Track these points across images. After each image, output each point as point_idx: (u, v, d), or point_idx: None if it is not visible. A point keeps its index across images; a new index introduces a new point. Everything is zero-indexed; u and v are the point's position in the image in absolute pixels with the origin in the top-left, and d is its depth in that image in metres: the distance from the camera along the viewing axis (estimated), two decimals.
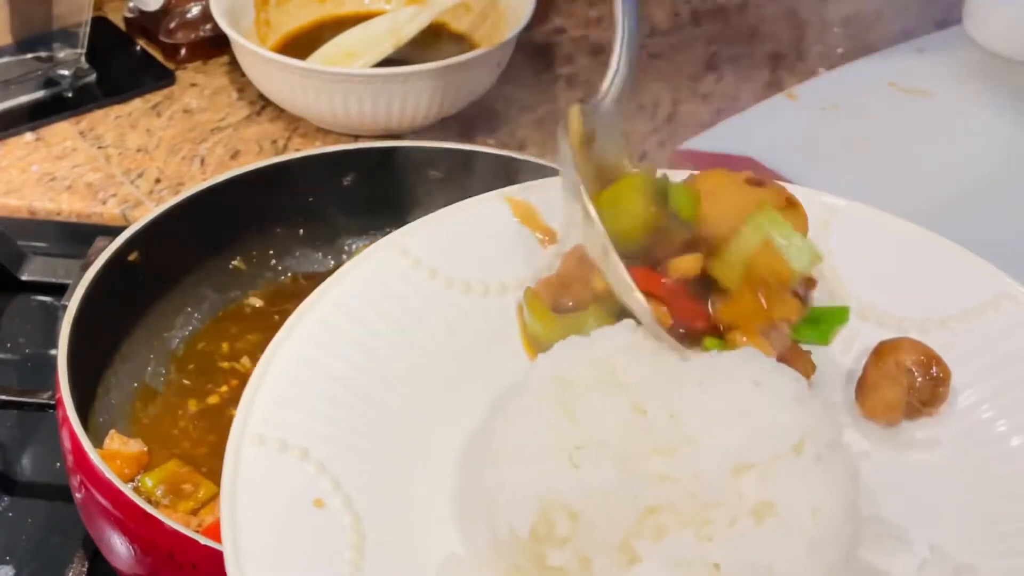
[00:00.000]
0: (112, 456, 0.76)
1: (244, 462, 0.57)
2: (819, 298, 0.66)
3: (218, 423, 0.82)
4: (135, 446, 0.78)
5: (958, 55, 1.15)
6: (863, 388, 0.64)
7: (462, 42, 1.19)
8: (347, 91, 1.05)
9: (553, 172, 0.90)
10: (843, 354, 0.66)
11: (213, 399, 0.84)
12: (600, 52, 1.25)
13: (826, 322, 0.66)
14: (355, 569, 0.55)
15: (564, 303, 0.66)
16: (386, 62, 1.12)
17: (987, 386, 0.63)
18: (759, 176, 0.67)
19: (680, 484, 0.53)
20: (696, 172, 0.70)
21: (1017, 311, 0.65)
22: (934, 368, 0.63)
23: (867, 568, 0.57)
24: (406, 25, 1.15)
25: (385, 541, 0.57)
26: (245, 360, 0.86)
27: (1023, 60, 1.16)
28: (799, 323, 0.64)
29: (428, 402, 0.63)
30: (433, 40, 1.17)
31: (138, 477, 0.77)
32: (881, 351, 0.64)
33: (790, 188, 0.68)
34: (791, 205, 0.66)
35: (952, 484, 0.61)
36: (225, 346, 0.87)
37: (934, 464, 0.62)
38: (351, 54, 1.13)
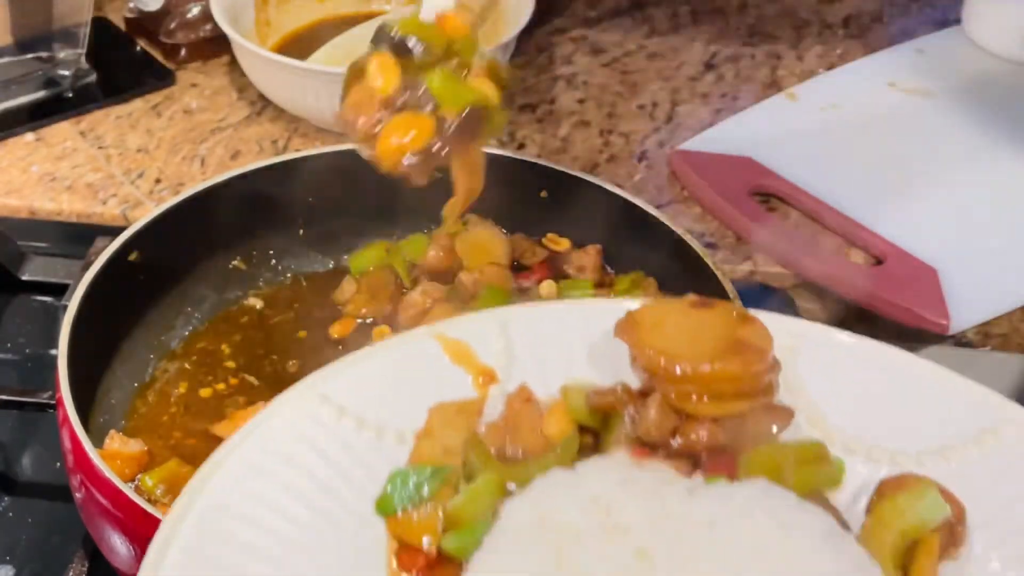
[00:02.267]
0: (112, 456, 0.76)
1: None
2: (792, 434, 0.57)
3: (216, 413, 0.82)
4: (135, 446, 0.78)
5: (958, 55, 1.16)
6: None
7: None
8: None
9: (553, 172, 0.91)
10: (833, 495, 0.57)
11: (205, 392, 0.84)
12: (600, 51, 1.25)
13: (826, 460, 0.56)
14: None
15: (513, 451, 0.57)
16: None
17: (1002, 529, 0.55)
18: (703, 299, 0.58)
19: None
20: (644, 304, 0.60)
21: (1020, 436, 0.57)
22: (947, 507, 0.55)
23: None
24: None
25: None
26: (244, 360, 0.87)
27: (1023, 60, 1.16)
28: (800, 470, 0.55)
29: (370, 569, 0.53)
30: None
31: (138, 477, 0.78)
32: (883, 490, 0.56)
33: (746, 310, 0.59)
34: (745, 321, 0.57)
35: None
36: (225, 347, 0.87)
37: None
38: (351, 54, 1.13)
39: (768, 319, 0.57)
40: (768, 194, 1.05)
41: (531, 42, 1.19)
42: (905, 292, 0.92)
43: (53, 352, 0.78)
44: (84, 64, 1.18)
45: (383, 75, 0.73)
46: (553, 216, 0.91)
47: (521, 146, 1.11)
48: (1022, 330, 0.97)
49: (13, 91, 1.15)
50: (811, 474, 0.54)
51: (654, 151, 1.12)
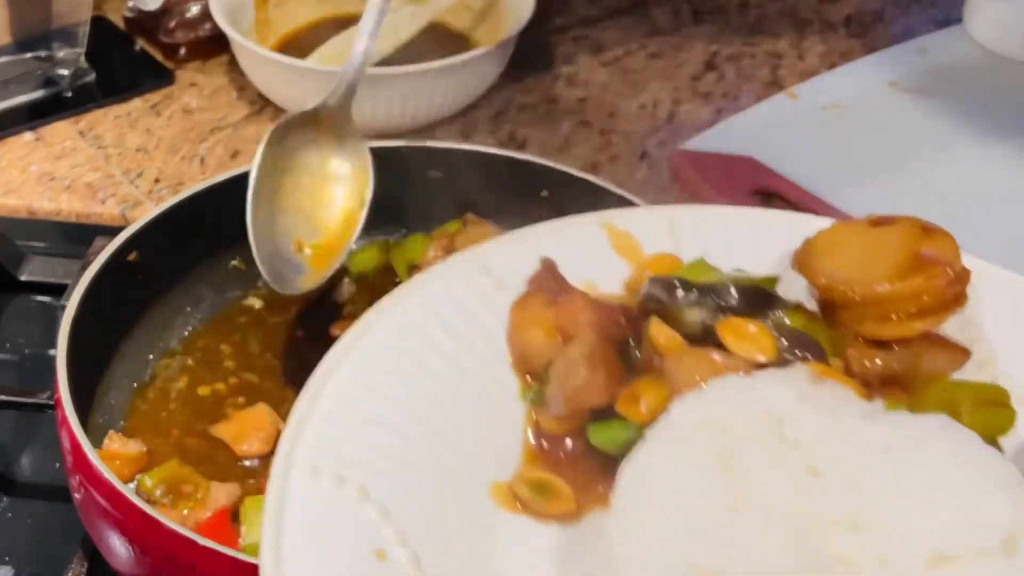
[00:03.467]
0: (112, 457, 0.76)
1: (293, 495, 0.49)
2: (962, 375, 0.55)
3: (216, 412, 0.82)
4: (135, 447, 0.78)
5: (958, 55, 1.15)
6: None
7: (462, 42, 1.19)
8: None
9: (553, 172, 0.90)
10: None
11: (204, 390, 0.84)
12: (600, 51, 1.25)
13: (1005, 404, 0.54)
14: None
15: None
16: (386, 62, 1.11)
17: None
18: (883, 216, 0.56)
19: (862, 570, 0.44)
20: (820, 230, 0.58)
21: None
22: None
23: None
24: (406, 25, 1.14)
25: None
26: (243, 360, 0.86)
27: (1023, 60, 1.16)
28: (977, 410, 0.53)
29: (509, 442, 0.54)
30: (433, 40, 1.17)
31: (137, 477, 0.77)
32: None
33: (930, 223, 0.57)
34: (929, 234, 0.56)
35: None
36: (225, 346, 0.87)
37: None
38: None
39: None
40: (769, 193, 1.05)
41: (531, 42, 1.19)
42: None
43: (52, 352, 0.78)
44: (83, 63, 1.18)
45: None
46: (554, 216, 0.90)
47: (521, 146, 1.11)
48: None
49: (12, 90, 1.15)
50: (987, 417, 0.52)
51: (655, 151, 1.11)
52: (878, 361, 0.53)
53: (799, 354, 0.51)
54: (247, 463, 0.79)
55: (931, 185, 1.03)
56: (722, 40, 1.27)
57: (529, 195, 0.91)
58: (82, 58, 1.18)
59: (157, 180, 1.08)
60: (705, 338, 0.52)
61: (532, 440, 0.54)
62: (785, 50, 1.26)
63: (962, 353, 0.55)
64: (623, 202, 0.87)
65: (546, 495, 0.52)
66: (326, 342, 0.85)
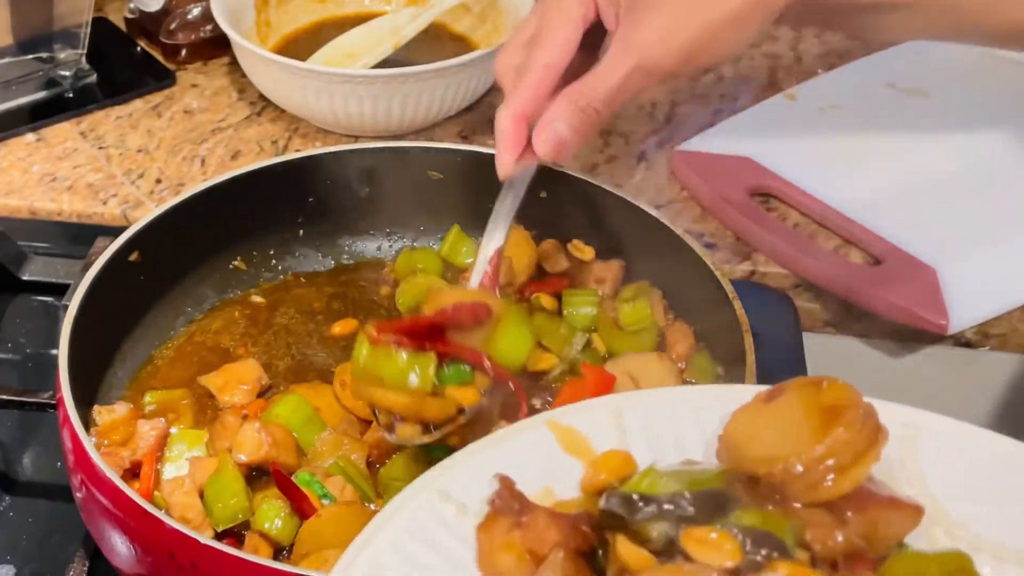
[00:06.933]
0: (109, 430, 0.76)
1: None
2: (917, 531, 0.55)
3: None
4: (121, 408, 0.78)
5: (958, 55, 1.15)
6: None
7: (462, 43, 1.19)
8: (347, 92, 1.05)
9: (552, 172, 0.91)
10: None
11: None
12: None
13: (969, 571, 0.53)
14: None
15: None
16: (386, 63, 1.12)
17: None
18: (772, 389, 0.57)
19: None
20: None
21: None
22: None
23: None
24: (406, 26, 1.15)
25: None
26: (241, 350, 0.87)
27: (1021, 61, 1.16)
28: None
29: None
30: (433, 41, 1.18)
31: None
32: None
33: (813, 378, 0.57)
34: (819, 388, 0.56)
35: None
36: (226, 337, 0.88)
37: None
38: (351, 55, 1.14)
39: (882, 408, 0.55)
40: (767, 194, 1.05)
41: None
42: (904, 292, 0.93)
43: (53, 352, 0.78)
44: (84, 64, 1.18)
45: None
46: (554, 215, 0.91)
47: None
48: (1021, 330, 0.97)
49: (14, 91, 1.16)
50: None
51: (653, 151, 1.12)
52: (839, 537, 0.53)
53: (764, 553, 0.52)
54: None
55: (929, 185, 1.04)
56: None
57: (529, 195, 0.91)
58: (83, 59, 1.18)
59: (158, 181, 1.08)
60: (671, 550, 0.53)
61: None
62: (783, 51, 1.26)
63: (916, 511, 0.55)
64: (622, 202, 0.87)
65: None
66: (327, 341, 0.87)
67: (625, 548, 0.53)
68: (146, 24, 1.24)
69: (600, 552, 0.56)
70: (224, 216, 0.88)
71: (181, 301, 0.89)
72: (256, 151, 1.11)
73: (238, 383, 0.82)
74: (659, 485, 0.55)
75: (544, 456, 0.60)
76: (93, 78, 1.19)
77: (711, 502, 0.54)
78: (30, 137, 1.13)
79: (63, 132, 1.14)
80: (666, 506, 0.53)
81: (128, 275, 0.83)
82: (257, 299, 0.91)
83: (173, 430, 0.78)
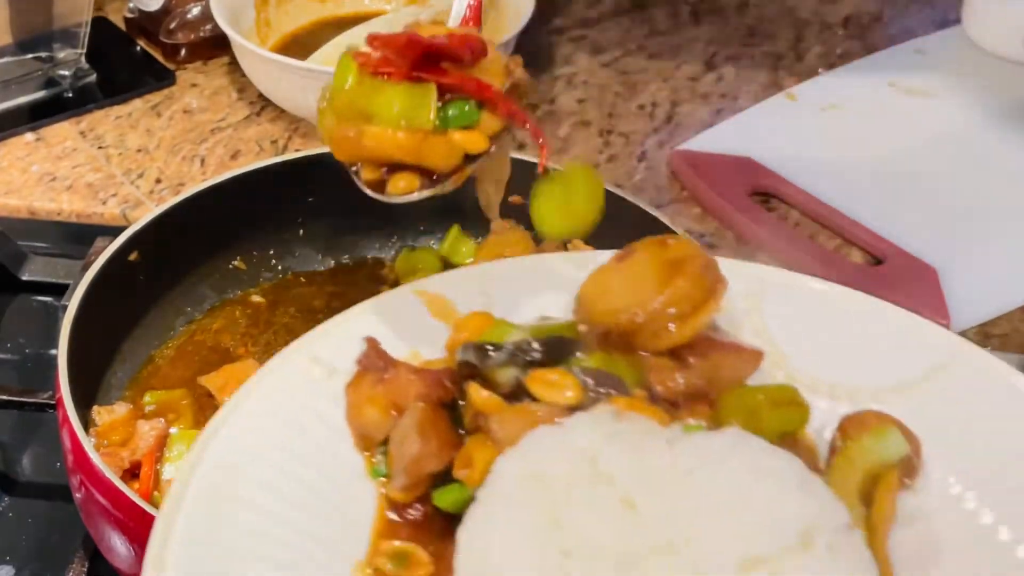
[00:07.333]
0: (109, 431, 0.76)
1: None
2: (758, 377, 0.60)
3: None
4: (120, 409, 0.78)
5: (958, 55, 1.16)
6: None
7: None
8: None
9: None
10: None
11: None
12: (600, 51, 1.25)
13: (796, 402, 0.59)
14: None
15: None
16: None
17: (957, 458, 0.58)
18: (623, 250, 0.60)
19: None
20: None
21: (969, 371, 0.61)
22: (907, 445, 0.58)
23: None
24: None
25: None
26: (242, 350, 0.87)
27: (1023, 60, 1.16)
28: (773, 412, 0.57)
29: (367, 521, 0.56)
30: None
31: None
32: (846, 427, 0.59)
33: (659, 236, 0.60)
34: (665, 245, 0.59)
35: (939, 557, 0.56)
36: (226, 336, 0.88)
37: (918, 539, 0.57)
38: None
39: (730, 266, 0.60)
40: (768, 194, 1.05)
41: (531, 42, 1.19)
42: (905, 292, 0.92)
43: (53, 352, 0.78)
44: (84, 64, 1.18)
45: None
46: None
47: (521, 146, 1.11)
48: (1022, 330, 0.97)
49: (13, 91, 1.16)
50: (783, 416, 0.57)
51: (654, 151, 1.12)
52: (680, 379, 0.57)
53: (603, 391, 0.55)
54: None
55: (930, 185, 1.04)
56: (721, 41, 1.27)
57: (528, 195, 0.91)
58: (83, 59, 1.18)
59: (158, 180, 1.08)
60: (520, 393, 0.56)
61: (387, 514, 0.57)
62: (784, 51, 1.26)
63: (756, 355, 0.59)
64: (622, 202, 0.87)
65: (406, 564, 0.55)
66: None
67: (477, 393, 0.56)
68: (146, 24, 1.24)
69: (461, 403, 0.58)
70: (224, 216, 0.88)
71: (181, 301, 0.89)
72: (256, 151, 1.11)
73: (238, 383, 0.80)
74: (510, 335, 0.58)
75: (412, 322, 0.63)
76: (93, 78, 1.19)
77: (557, 347, 0.57)
78: (29, 137, 1.13)
79: (63, 132, 1.14)
80: (514, 352, 0.57)
81: (128, 275, 0.83)
82: (257, 299, 0.91)
83: (173, 430, 0.78)
